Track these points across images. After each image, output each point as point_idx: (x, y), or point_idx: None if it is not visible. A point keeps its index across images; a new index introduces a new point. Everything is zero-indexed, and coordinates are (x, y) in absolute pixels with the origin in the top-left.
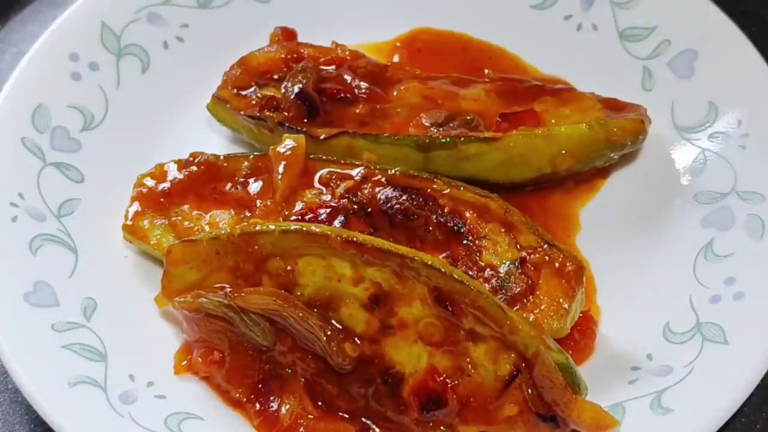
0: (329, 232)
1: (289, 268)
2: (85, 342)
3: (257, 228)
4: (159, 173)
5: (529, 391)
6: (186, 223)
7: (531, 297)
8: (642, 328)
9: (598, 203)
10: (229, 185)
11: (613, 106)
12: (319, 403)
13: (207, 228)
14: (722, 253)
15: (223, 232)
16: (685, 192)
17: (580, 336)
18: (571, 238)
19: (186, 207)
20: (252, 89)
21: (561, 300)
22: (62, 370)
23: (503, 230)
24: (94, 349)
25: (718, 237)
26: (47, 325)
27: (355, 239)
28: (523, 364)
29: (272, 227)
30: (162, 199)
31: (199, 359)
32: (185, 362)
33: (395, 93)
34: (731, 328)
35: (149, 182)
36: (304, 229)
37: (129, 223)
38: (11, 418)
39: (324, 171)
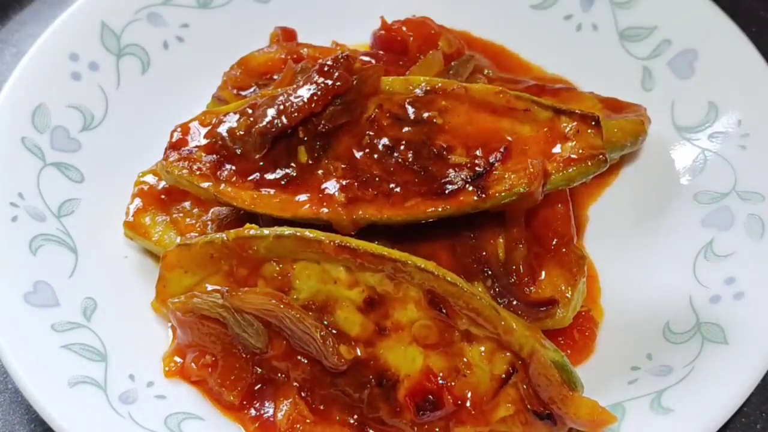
0: (323, 238)
1: (284, 271)
2: (85, 342)
3: (251, 233)
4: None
5: (525, 387)
6: (187, 219)
7: (533, 286)
8: (642, 328)
9: (598, 203)
10: None
11: (613, 106)
12: (314, 406)
13: (209, 225)
14: (722, 253)
15: (217, 236)
16: (685, 192)
17: (580, 336)
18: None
19: (187, 204)
20: (252, 89)
21: (563, 287)
22: (62, 370)
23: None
24: (94, 349)
25: (718, 237)
26: (47, 325)
27: (348, 244)
28: (519, 362)
29: (266, 232)
30: (163, 196)
31: (192, 364)
32: (173, 364)
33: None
34: (731, 328)
35: (150, 179)
36: (298, 234)
37: (130, 219)
38: (11, 418)
39: None
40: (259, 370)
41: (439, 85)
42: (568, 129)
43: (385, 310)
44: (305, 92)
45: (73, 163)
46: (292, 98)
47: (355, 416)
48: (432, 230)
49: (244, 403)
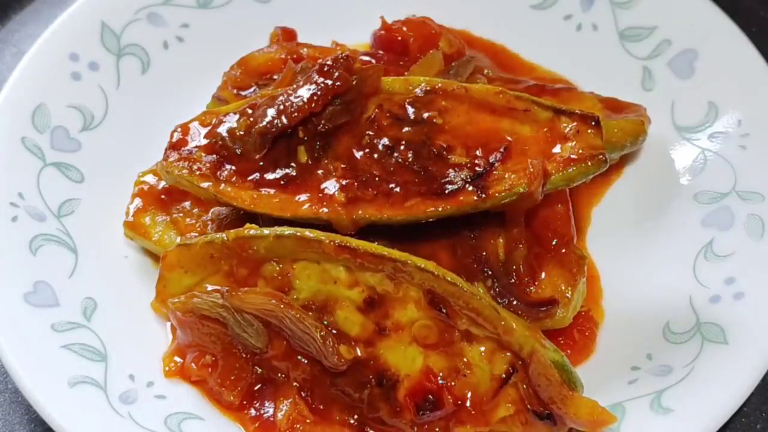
0: (323, 238)
1: (284, 271)
2: (85, 342)
3: (251, 232)
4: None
5: (524, 387)
6: (187, 219)
7: (533, 286)
8: (642, 328)
9: (598, 204)
10: None
11: (613, 106)
12: (314, 406)
13: (209, 225)
14: (722, 253)
15: (217, 236)
16: (685, 192)
17: (580, 336)
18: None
19: (187, 204)
20: (252, 89)
21: (563, 287)
22: (62, 370)
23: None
24: (94, 349)
25: (718, 237)
26: (47, 325)
27: (348, 244)
28: (519, 362)
29: (266, 232)
30: (163, 196)
31: (192, 364)
32: (173, 364)
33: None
34: (731, 328)
35: (150, 179)
36: (298, 234)
37: (130, 219)
38: (11, 418)
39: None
40: (259, 370)
41: (439, 85)
42: (568, 129)
43: (385, 310)
44: (305, 92)
45: (73, 163)
46: (292, 98)
47: (355, 416)
48: (432, 230)
49: (244, 403)
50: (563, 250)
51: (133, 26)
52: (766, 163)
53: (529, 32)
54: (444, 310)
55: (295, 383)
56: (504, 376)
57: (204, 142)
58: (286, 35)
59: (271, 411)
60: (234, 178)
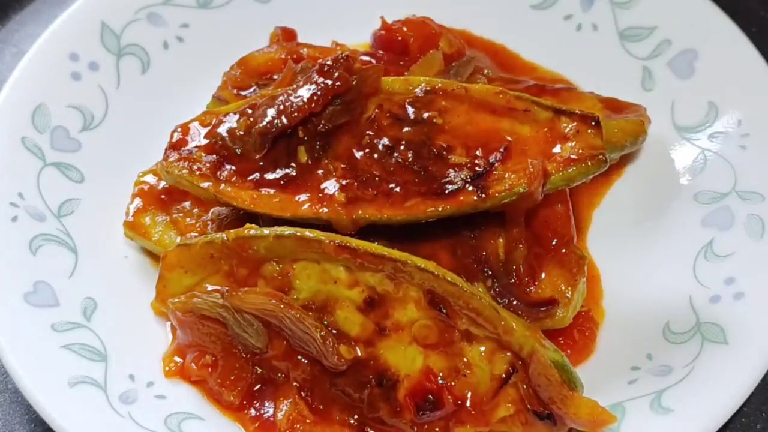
0: (323, 238)
1: (284, 271)
2: (85, 342)
3: (251, 232)
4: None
5: (525, 387)
6: (187, 219)
7: (533, 286)
8: (642, 328)
9: (598, 204)
10: None
11: (613, 106)
12: (314, 406)
13: (209, 225)
14: (722, 253)
15: (217, 236)
16: (685, 192)
17: (580, 336)
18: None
19: (187, 204)
20: (252, 89)
21: (563, 288)
22: (62, 370)
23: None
24: (94, 349)
25: (718, 237)
26: (47, 325)
27: (348, 244)
28: (519, 362)
29: (266, 232)
30: (163, 196)
31: (192, 364)
32: (173, 364)
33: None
34: (731, 328)
35: (150, 179)
36: (298, 234)
37: (130, 219)
38: (11, 418)
39: None
40: (259, 370)
41: (439, 85)
42: (568, 129)
43: (385, 310)
44: (305, 92)
45: (73, 163)
46: (292, 98)
47: (355, 416)
48: (432, 230)
49: (244, 403)
50: (563, 250)
51: (133, 26)
52: (766, 163)
53: (529, 32)
54: (444, 310)
55: (295, 383)
56: (504, 376)
57: (204, 142)
58: (286, 35)
59: (271, 411)
60: (234, 178)
